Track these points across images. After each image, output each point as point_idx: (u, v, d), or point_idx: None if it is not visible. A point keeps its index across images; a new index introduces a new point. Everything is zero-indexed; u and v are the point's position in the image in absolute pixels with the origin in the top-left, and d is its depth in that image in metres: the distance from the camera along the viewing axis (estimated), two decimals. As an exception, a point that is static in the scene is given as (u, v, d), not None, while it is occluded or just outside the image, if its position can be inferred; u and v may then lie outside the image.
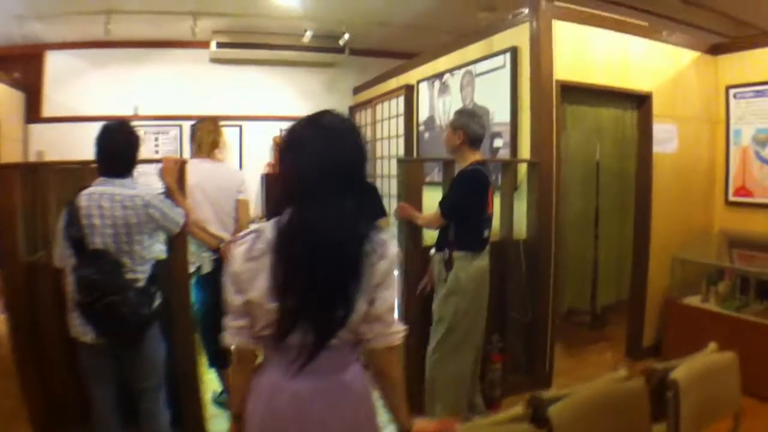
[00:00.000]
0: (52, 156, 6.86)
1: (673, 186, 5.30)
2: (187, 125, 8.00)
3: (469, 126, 3.78)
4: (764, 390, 4.24)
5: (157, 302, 3.01)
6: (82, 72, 7.85)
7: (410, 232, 4.08)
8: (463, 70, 5.48)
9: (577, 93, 4.71)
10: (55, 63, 7.80)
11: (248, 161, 8.38)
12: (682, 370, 2.51)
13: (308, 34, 7.44)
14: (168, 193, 3.29)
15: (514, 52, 4.73)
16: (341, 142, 1.69)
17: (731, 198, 5.46)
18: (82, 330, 2.84)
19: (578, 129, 4.87)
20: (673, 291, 5.26)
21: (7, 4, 6.20)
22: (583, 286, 5.12)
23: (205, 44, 7.75)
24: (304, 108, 7.80)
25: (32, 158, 7.32)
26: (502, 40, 4.91)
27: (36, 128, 7.67)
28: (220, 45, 7.73)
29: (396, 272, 1.78)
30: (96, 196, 2.83)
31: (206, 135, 4.18)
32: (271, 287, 1.63)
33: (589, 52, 4.72)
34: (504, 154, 4.86)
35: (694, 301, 5.10)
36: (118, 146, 2.96)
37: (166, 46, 8.00)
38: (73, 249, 2.81)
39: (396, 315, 1.78)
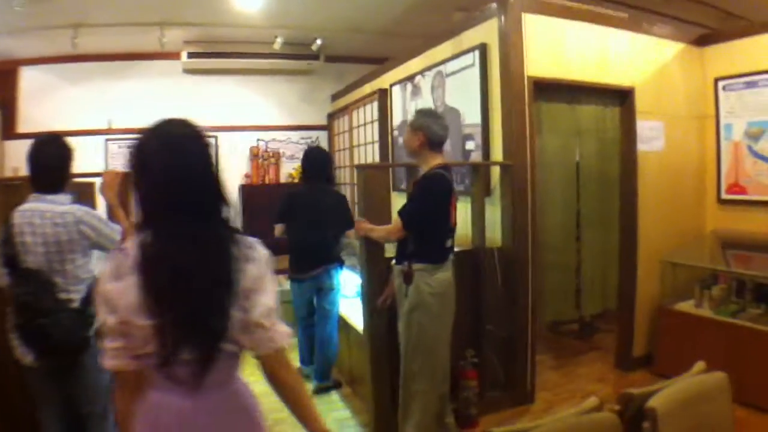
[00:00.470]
0: (27, 172, 6.57)
1: (661, 186, 4.91)
2: (162, 138, 7.88)
3: (431, 127, 3.42)
4: (762, 400, 3.89)
5: (97, 323, 2.77)
6: (56, 87, 7.67)
7: (369, 242, 3.72)
8: (434, 70, 5.13)
9: (552, 90, 4.37)
10: (29, 78, 7.62)
11: (225, 172, 7.99)
12: (661, 397, 2.13)
13: (278, 40, 7.12)
14: (108, 209, 3.07)
15: (483, 49, 4.37)
16: (184, 153, 1.62)
17: (724, 196, 5.07)
18: (21, 351, 2.70)
19: (555, 128, 4.52)
20: (664, 297, 4.88)
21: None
22: (567, 296, 4.73)
23: (176, 55, 7.51)
24: (281, 117, 7.73)
25: (8, 174, 7.07)
26: (470, 37, 4.56)
27: (12, 144, 7.44)
28: (191, 55, 7.46)
29: (270, 275, 1.69)
30: (29, 213, 2.70)
31: None
32: (143, 305, 1.53)
33: (564, 47, 4.36)
34: (476, 156, 4.50)
35: (686, 307, 4.72)
36: (50, 161, 2.81)
37: (139, 59, 7.75)
38: (7, 267, 2.68)
39: (277, 318, 1.68)
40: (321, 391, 4.74)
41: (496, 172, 4.31)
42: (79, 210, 2.78)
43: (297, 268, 4.75)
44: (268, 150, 8.15)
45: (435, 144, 3.45)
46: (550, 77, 4.25)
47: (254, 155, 8.13)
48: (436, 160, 3.45)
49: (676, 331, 4.62)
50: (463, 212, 4.15)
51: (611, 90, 4.63)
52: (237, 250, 1.62)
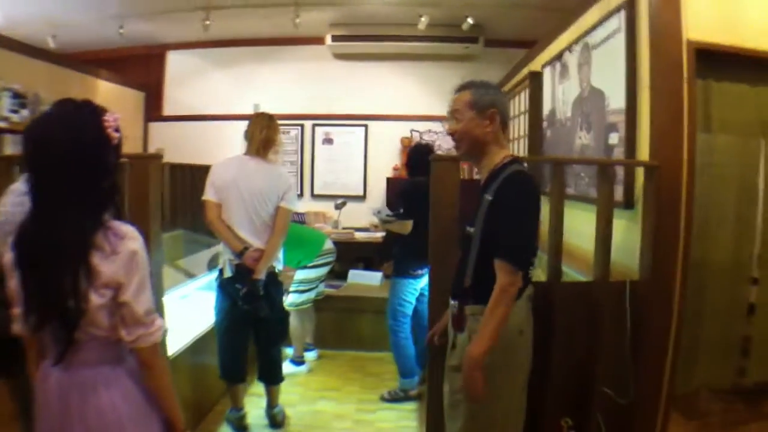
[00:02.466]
0: (171, 153, 6.47)
1: None
2: (309, 125, 7.38)
3: (502, 101, 2.37)
4: None
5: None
6: (202, 71, 7.64)
7: (436, 260, 2.77)
8: (581, 43, 3.89)
9: (726, 64, 2.98)
10: (175, 62, 7.69)
11: (373, 163, 7.49)
12: None
13: (423, 20, 6.18)
14: None
15: (630, 7, 3.11)
16: (45, 140, 1.57)
17: None
18: None
19: (731, 118, 3.10)
20: None
21: (101, 4, 5.95)
22: (727, 356, 3.25)
23: (321, 40, 6.96)
24: (440, 106, 6.74)
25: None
26: (618, -6, 3.29)
27: (156, 126, 7.65)
28: (335, 38, 6.85)
29: (143, 269, 1.65)
30: None
31: (258, 131, 3.72)
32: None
33: (742, 2, 2.96)
34: (619, 154, 3.23)
35: None
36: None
37: (284, 44, 7.35)
38: None
39: (153, 312, 1.69)
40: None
41: (640, 177, 3.03)
42: None
43: (418, 265, 4.40)
44: (423, 142, 7.23)
45: (506, 126, 2.37)
46: (722, 44, 2.87)
47: (405, 146, 7.28)
48: (505, 150, 2.33)
49: None
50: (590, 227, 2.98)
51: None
52: (102, 240, 1.59)
